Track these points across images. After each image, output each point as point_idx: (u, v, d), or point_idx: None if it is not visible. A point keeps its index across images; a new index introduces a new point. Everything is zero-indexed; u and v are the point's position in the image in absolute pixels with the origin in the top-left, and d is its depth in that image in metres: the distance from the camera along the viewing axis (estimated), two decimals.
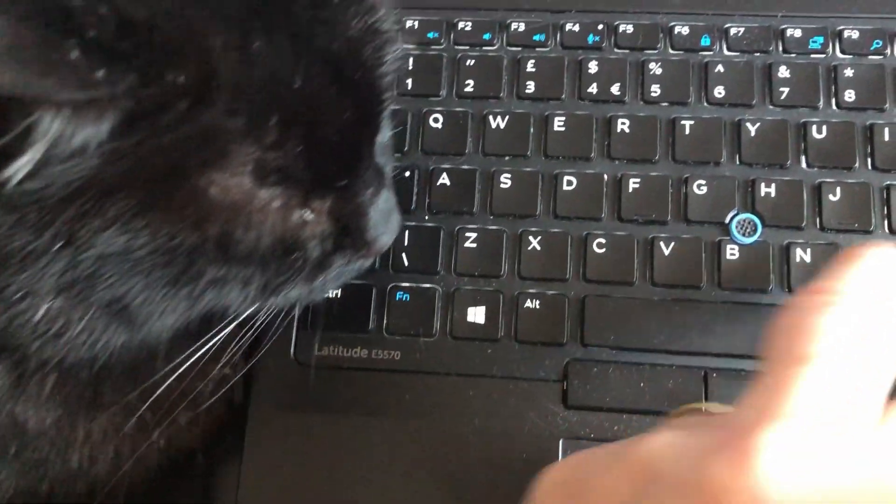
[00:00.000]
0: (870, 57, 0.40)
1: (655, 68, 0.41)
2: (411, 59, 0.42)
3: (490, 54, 0.42)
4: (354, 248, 0.33)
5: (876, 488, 0.23)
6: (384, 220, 0.33)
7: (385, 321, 0.39)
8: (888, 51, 0.40)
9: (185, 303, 0.30)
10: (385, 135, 0.34)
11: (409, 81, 0.42)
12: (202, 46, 0.26)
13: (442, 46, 0.43)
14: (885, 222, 0.38)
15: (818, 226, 0.38)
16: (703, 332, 0.37)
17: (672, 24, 0.42)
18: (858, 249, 0.28)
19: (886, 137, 0.39)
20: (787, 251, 0.38)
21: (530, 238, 0.39)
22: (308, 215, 0.31)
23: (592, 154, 0.40)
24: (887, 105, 0.40)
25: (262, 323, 0.33)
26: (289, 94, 0.27)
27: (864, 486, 0.23)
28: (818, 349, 0.25)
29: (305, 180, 0.29)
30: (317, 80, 0.28)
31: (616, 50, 0.42)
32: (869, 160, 0.39)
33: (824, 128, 0.39)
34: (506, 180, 0.40)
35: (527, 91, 0.42)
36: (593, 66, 0.42)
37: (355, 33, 0.30)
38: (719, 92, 0.41)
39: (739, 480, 0.23)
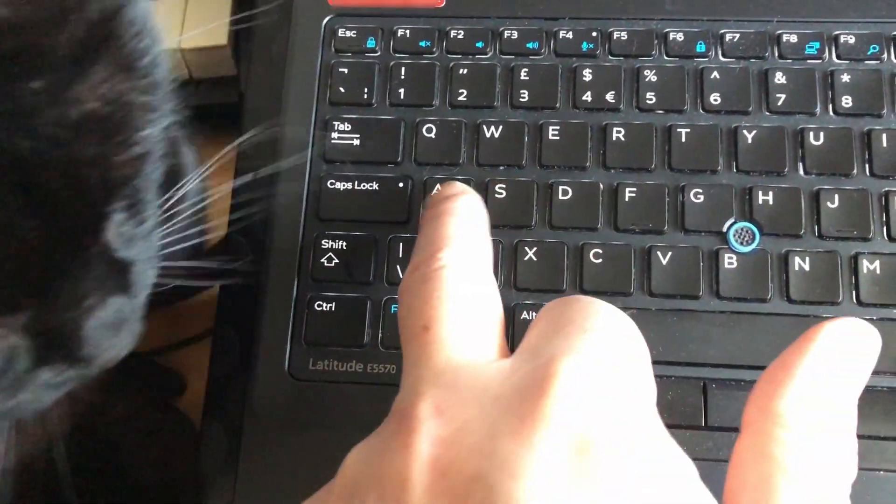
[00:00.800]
0: (866, 62, 0.40)
1: (650, 76, 0.41)
2: (403, 69, 0.42)
3: (483, 63, 0.42)
4: (69, 362, 0.29)
5: (511, 410, 0.24)
6: (108, 333, 0.29)
7: (380, 335, 0.38)
8: (885, 55, 0.40)
9: None
10: (145, 226, 0.30)
11: (402, 91, 0.42)
12: None
13: (434, 55, 0.42)
14: (884, 229, 0.38)
15: (817, 233, 0.38)
16: (701, 343, 0.37)
17: (667, 30, 0.41)
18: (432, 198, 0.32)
19: (884, 143, 0.39)
20: (785, 259, 0.37)
21: (526, 248, 0.39)
22: None
23: (588, 163, 0.40)
24: (885, 111, 0.39)
25: None
26: None
27: (503, 411, 0.24)
28: (432, 317, 0.28)
29: None
30: None
31: (610, 57, 0.42)
32: (867, 166, 0.38)
33: (822, 134, 0.39)
34: (500, 190, 0.40)
35: (521, 100, 0.41)
36: (587, 74, 0.41)
37: (63, 121, 0.25)
38: (715, 99, 0.40)
39: (411, 457, 0.24)
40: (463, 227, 0.31)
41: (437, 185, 0.40)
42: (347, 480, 0.26)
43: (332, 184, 0.41)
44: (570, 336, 0.25)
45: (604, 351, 0.25)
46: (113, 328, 0.29)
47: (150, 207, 0.31)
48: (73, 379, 0.30)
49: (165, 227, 0.33)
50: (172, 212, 0.34)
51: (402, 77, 0.42)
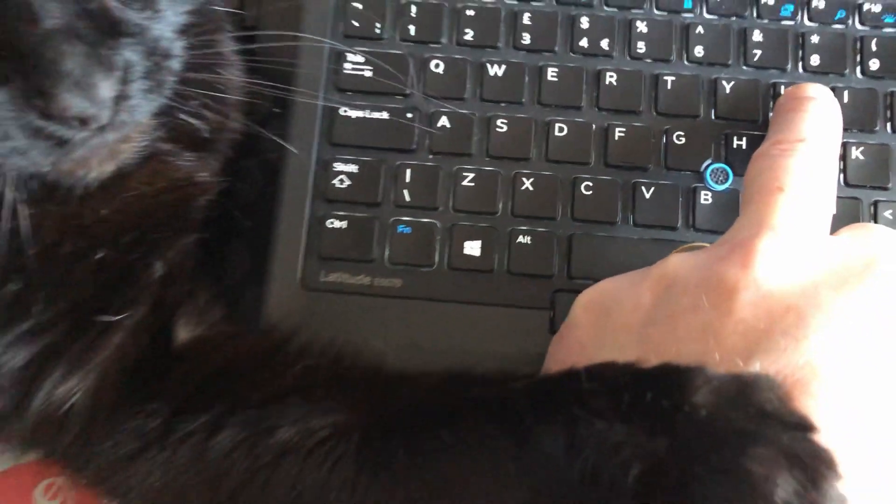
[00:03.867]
0: (833, 26, 0.44)
1: (641, 27, 0.44)
2: (414, 7, 0.45)
3: (488, 6, 0.45)
4: (26, 96, 0.28)
5: (835, 270, 0.32)
6: (74, 78, 0.28)
7: (387, 251, 0.42)
8: (850, 21, 0.45)
9: None
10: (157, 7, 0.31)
11: (412, 28, 0.45)
12: None
13: None
14: (842, 176, 0.42)
15: None
16: None
17: None
18: (795, 92, 0.39)
19: (846, 100, 0.43)
20: None
21: (524, 179, 0.42)
22: None
23: (582, 104, 0.43)
24: (847, 70, 0.44)
25: None
26: None
27: (828, 270, 0.32)
28: (787, 182, 0.34)
29: None
30: None
31: (606, 8, 0.45)
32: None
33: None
34: (502, 125, 0.43)
35: (523, 42, 0.44)
36: (585, 22, 0.45)
37: None
38: (699, 51, 0.44)
39: (747, 275, 0.31)
40: (821, 125, 0.37)
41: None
42: (669, 273, 0.33)
43: (344, 111, 0.43)
44: (883, 244, 0.33)
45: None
46: (82, 83, 0.28)
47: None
48: (62, 143, 0.29)
49: (189, 41, 0.33)
50: (206, 58, 0.35)
51: (413, 15, 0.45)
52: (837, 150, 0.38)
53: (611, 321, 0.34)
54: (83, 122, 0.29)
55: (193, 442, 0.34)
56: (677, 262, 0.34)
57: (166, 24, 0.32)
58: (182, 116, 0.36)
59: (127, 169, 0.35)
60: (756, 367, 0.29)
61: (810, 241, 0.33)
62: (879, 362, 0.30)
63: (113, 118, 0.30)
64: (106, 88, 0.29)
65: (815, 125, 0.37)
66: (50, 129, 0.29)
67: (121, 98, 0.30)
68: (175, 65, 0.33)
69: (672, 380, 0.28)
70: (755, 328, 0.30)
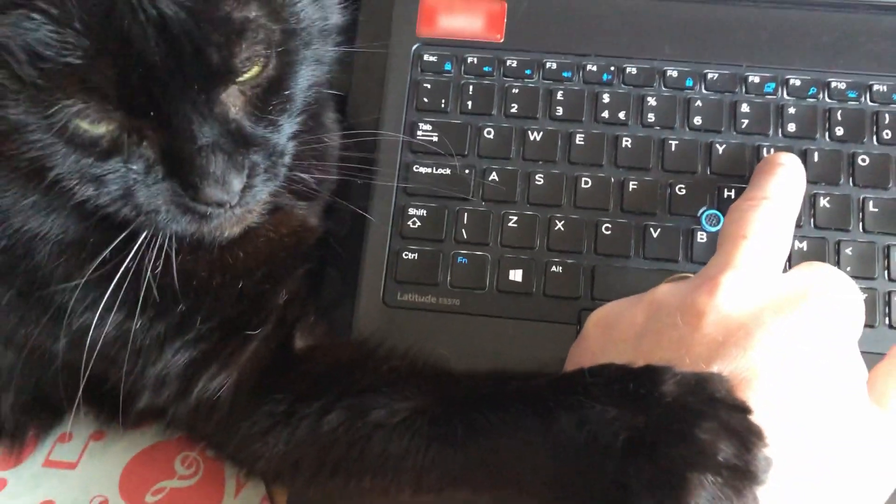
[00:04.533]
0: (807, 99, 0.55)
1: (651, 101, 0.56)
2: (471, 87, 0.57)
3: (530, 86, 0.57)
4: (185, 187, 0.39)
5: (778, 299, 0.41)
6: (215, 177, 0.38)
7: (449, 277, 0.53)
8: (821, 95, 0.55)
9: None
10: (281, 118, 0.41)
11: (469, 103, 0.57)
12: None
13: (494, 78, 0.57)
14: (812, 220, 0.53)
15: None
16: None
17: (665, 68, 0.57)
18: (770, 158, 0.49)
19: (816, 159, 0.54)
20: None
21: (556, 221, 0.54)
22: (115, 129, 0.38)
23: (603, 162, 0.55)
24: (818, 135, 0.54)
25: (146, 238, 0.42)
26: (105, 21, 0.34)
27: (773, 298, 0.41)
28: (749, 231, 0.44)
29: (115, 98, 0.36)
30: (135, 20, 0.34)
31: (623, 86, 0.57)
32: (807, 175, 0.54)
33: (772, 150, 0.54)
34: (539, 179, 0.55)
35: (557, 114, 0.56)
36: (606, 98, 0.56)
37: (199, 6, 0.35)
38: (698, 120, 0.55)
39: (711, 302, 0.41)
40: (785, 186, 0.47)
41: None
42: (657, 299, 0.43)
43: (416, 168, 0.56)
44: (819, 278, 0.42)
45: (840, 291, 0.42)
46: (217, 177, 0.39)
47: (290, 105, 0.42)
48: (198, 220, 0.41)
49: (302, 140, 0.45)
50: (313, 138, 0.47)
51: (470, 93, 0.57)
52: (797, 205, 0.47)
53: (613, 334, 0.44)
54: (220, 205, 0.41)
55: (309, 421, 0.46)
56: (664, 291, 0.44)
57: (283, 135, 0.43)
58: (296, 174, 0.48)
59: (255, 226, 0.47)
60: (714, 369, 0.39)
61: (763, 277, 0.42)
62: (805, 368, 0.39)
63: (241, 201, 0.42)
64: (237, 184, 0.40)
65: (780, 186, 0.47)
66: (198, 209, 0.41)
67: (247, 188, 0.41)
68: (287, 159, 0.44)
69: (649, 375, 0.39)
70: (715, 341, 0.40)
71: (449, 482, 0.43)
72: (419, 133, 0.56)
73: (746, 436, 0.36)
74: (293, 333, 0.50)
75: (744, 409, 0.37)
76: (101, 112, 0.37)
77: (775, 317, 0.40)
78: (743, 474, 0.35)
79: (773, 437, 0.36)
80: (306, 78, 0.43)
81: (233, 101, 0.40)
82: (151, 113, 0.37)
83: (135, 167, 0.39)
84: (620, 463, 0.37)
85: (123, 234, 0.41)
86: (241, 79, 0.39)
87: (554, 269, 0.53)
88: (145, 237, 0.41)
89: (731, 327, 0.40)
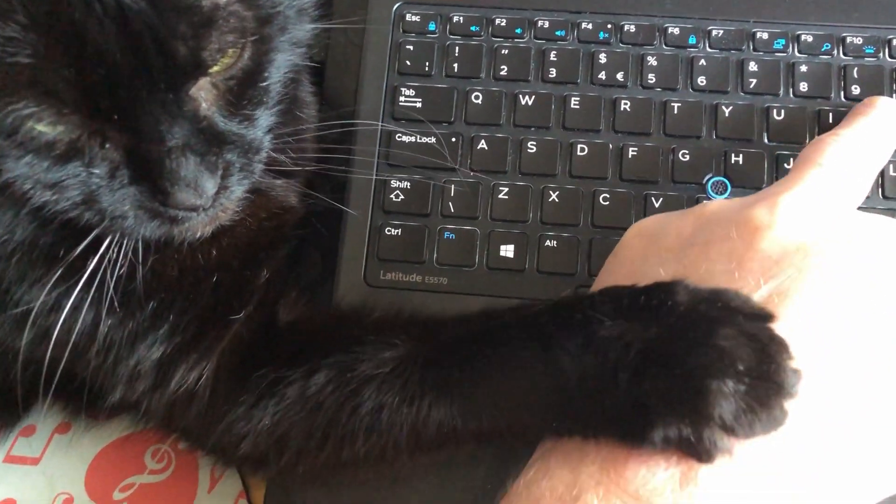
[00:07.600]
0: (820, 56, 0.51)
1: (652, 60, 0.52)
2: (457, 48, 0.53)
3: (520, 45, 0.53)
4: (153, 191, 0.37)
5: (844, 232, 0.38)
6: (187, 181, 0.36)
7: (435, 254, 0.50)
8: (835, 52, 0.51)
9: None
10: (255, 112, 0.38)
11: (455, 65, 0.53)
12: None
13: (482, 38, 0.53)
14: (880, 190, 0.49)
15: None
16: None
17: (666, 25, 0.53)
18: (867, 101, 0.46)
19: (831, 120, 0.50)
20: None
21: (550, 192, 0.50)
22: (73, 131, 0.35)
23: (601, 128, 0.51)
24: (832, 95, 0.50)
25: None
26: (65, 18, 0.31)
27: (839, 230, 0.38)
28: (824, 160, 0.41)
29: (71, 99, 0.33)
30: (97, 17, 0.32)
31: (621, 45, 0.53)
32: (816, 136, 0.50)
33: (783, 111, 0.50)
34: (532, 146, 0.51)
35: (549, 76, 0.52)
36: (603, 58, 0.52)
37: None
38: (702, 81, 0.51)
39: (769, 216, 0.39)
40: (875, 127, 0.44)
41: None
42: (707, 211, 0.41)
43: (398, 136, 0.52)
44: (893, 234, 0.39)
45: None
46: (187, 181, 0.36)
47: (266, 97, 0.39)
48: (168, 225, 0.38)
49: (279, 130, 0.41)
50: (289, 115, 0.43)
51: (456, 54, 0.53)
52: (885, 151, 0.44)
53: (657, 243, 0.41)
54: (192, 209, 0.38)
55: (296, 386, 0.43)
56: (715, 204, 0.42)
57: (259, 129, 0.40)
58: (272, 154, 0.44)
59: (230, 223, 0.44)
60: (765, 288, 0.37)
61: (830, 207, 0.40)
62: (855, 305, 0.37)
63: (214, 203, 0.39)
64: (210, 187, 0.37)
65: (868, 126, 0.44)
66: (168, 213, 0.38)
67: (221, 189, 0.39)
68: (264, 154, 0.41)
69: (661, 288, 0.37)
70: (770, 258, 0.37)
71: (449, 434, 0.41)
72: (401, 99, 0.52)
73: (768, 344, 0.34)
74: (276, 310, 0.47)
75: (765, 317, 0.35)
76: (55, 115, 0.34)
77: (839, 247, 0.38)
78: (768, 384, 0.33)
79: (806, 354, 0.34)
80: (283, 65, 0.40)
81: (203, 95, 0.37)
82: (114, 115, 0.34)
83: (97, 171, 0.36)
84: (633, 378, 0.35)
85: (88, 240, 0.39)
86: (211, 71, 0.36)
87: (548, 243, 0.49)
88: (111, 241, 0.39)
89: (788, 248, 0.38)
